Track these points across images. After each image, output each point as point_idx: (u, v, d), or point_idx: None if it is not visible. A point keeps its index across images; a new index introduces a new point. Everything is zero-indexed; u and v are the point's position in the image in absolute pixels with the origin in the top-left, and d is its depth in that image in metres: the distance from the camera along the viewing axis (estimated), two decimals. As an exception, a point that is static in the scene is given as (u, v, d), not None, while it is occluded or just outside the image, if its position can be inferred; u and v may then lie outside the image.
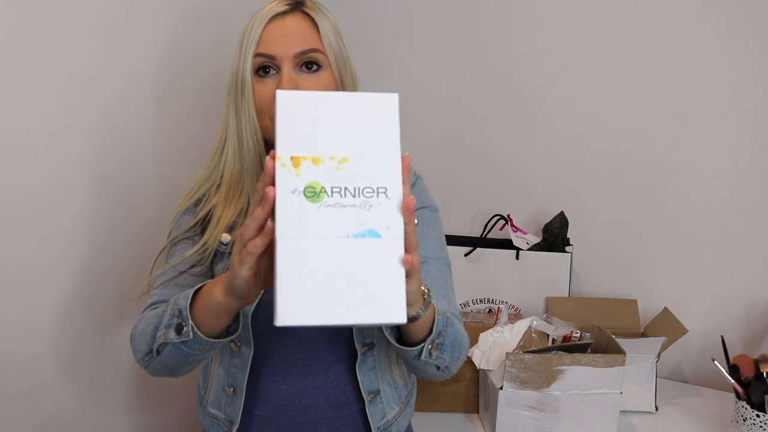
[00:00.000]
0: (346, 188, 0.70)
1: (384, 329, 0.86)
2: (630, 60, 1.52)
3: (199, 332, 0.82)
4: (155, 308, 0.95)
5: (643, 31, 1.49)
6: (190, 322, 0.82)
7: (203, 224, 1.01)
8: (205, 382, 1.07)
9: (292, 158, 0.70)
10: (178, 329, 0.83)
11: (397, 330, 0.87)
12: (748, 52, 1.41)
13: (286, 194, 0.69)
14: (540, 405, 1.21)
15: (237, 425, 1.00)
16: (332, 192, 0.69)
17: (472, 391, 1.38)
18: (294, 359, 0.99)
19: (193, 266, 0.99)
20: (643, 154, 1.54)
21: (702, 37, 1.45)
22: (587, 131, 1.59)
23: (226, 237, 0.99)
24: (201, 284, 0.85)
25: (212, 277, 1.00)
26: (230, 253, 0.98)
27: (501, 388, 1.21)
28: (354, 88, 1.02)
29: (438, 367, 0.90)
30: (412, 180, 1.06)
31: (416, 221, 0.72)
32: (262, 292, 0.79)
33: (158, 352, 0.87)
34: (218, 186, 1.01)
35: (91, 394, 1.31)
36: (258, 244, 0.69)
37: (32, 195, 1.13)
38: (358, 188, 0.70)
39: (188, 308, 0.83)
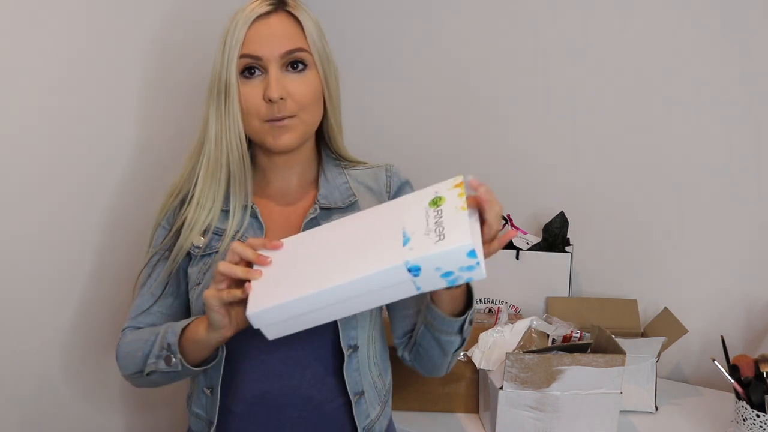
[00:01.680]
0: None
1: (430, 300, 0.94)
2: (629, 59, 1.51)
3: (186, 363, 0.95)
4: (133, 331, 1.04)
5: (642, 29, 1.49)
6: (179, 355, 0.94)
7: (178, 232, 1.02)
8: (191, 382, 1.08)
9: None
10: (168, 361, 0.95)
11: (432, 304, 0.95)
12: (748, 54, 1.41)
13: None
14: (540, 405, 1.21)
15: (215, 424, 1.01)
16: None
17: (472, 391, 1.38)
18: (270, 358, 0.99)
19: (166, 285, 1.04)
20: (644, 154, 1.54)
21: (701, 36, 1.45)
22: (587, 131, 1.59)
23: (199, 240, 1.00)
24: (188, 321, 0.95)
25: (187, 285, 1.04)
26: (203, 255, 1.01)
27: (501, 388, 1.21)
28: (337, 86, 1.03)
29: (463, 342, 0.99)
30: (398, 184, 1.08)
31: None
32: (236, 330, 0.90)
33: (147, 375, 0.99)
34: (194, 186, 1.02)
35: (87, 394, 1.31)
36: (237, 295, 0.85)
37: (27, 195, 1.13)
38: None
39: (177, 344, 0.94)
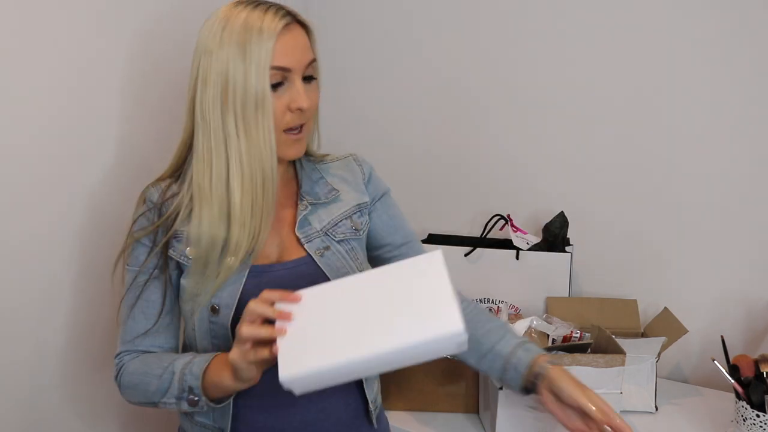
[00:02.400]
0: None
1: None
2: (629, 60, 1.51)
3: (212, 404, 0.95)
4: (136, 359, 1.02)
5: (641, 31, 1.49)
6: (204, 398, 0.94)
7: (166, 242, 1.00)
8: None
9: None
10: (192, 403, 0.94)
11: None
12: (750, 54, 1.41)
13: None
14: (540, 405, 1.21)
15: (228, 430, 1.01)
16: None
17: (472, 391, 1.38)
18: None
19: (163, 305, 1.02)
20: (643, 154, 1.54)
21: (700, 36, 1.44)
22: (587, 131, 1.59)
23: (190, 251, 0.99)
24: (207, 363, 0.94)
25: (178, 297, 1.03)
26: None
27: (501, 388, 1.21)
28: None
29: None
30: (369, 171, 1.11)
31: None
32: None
33: (162, 405, 0.98)
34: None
35: (81, 400, 1.31)
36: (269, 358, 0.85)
37: (23, 195, 1.13)
38: None
39: (200, 387, 0.93)
